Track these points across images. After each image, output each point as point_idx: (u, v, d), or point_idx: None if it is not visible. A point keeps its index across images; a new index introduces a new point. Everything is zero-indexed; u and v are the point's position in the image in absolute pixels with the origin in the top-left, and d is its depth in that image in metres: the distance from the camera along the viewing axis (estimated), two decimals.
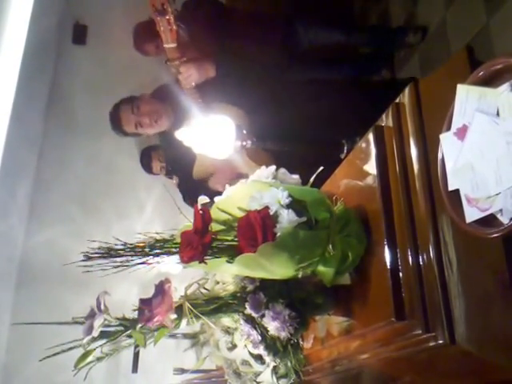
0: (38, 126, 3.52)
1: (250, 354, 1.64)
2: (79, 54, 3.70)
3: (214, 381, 2.36)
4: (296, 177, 1.48)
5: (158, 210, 3.55)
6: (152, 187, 3.56)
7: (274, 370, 1.63)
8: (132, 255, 1.28)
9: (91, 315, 1.30)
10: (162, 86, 2.89)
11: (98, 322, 1.26)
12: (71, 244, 3.21)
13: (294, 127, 2.18)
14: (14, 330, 3.11)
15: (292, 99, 2.38)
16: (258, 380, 1.73)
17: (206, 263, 1.22)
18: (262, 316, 1.37)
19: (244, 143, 1.68)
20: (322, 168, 1.50)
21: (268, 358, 1.50)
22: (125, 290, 2.66)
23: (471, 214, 0.98)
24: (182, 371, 2.54)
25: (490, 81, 0.97)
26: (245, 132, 1.68)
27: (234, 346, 1.73)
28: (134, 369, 2.55)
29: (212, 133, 1.66)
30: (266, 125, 2.06)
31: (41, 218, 3.40)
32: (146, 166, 3.48)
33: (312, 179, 1.51)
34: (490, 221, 0.95)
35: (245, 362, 1.76)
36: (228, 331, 1.73)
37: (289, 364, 1.47)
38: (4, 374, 3.10)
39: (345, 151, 1.77)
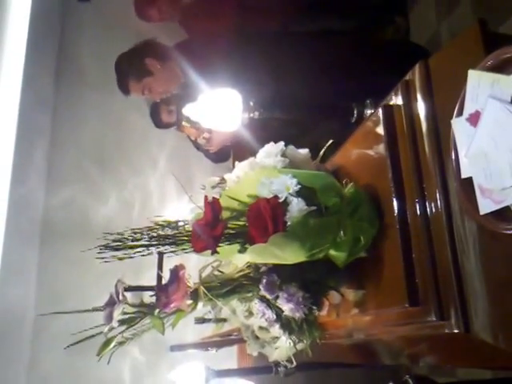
0: (49, 86, 3.52)
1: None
2: (85, 11, 3.64)
3: (234, 336, 2.42)
4: (305, 152, 1.45)
5: (170, 165, 3.58)
6: (164, 141, 3.58)
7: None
8: (147, 245, 1.30)
9: (110, 303, 1.33)
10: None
11: (116, 312, 1.28)
12: (89, 201, 3.39)
13: (302, 93, 2.13)
14: (41, 287, 3.25)
15: (297, 62, 2.31)
16: (275, 345, 1.77)
17: (218, 253, 1.22)
18: (277, 297, 1.38)
19: (251, 115, 1.64)
20: (331, 141, 1.48)
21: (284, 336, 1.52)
22: None
23: (485, 206, 0.95)
24: (203, 321, 2.59)
25: (500, 69, 0.93)
26: (252, 103, 1.64)
27: (250, 314, 1.76)
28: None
29: (219, 106, 1.62)
30: (274, 94, 2.01)
31: (59, 177, 3.46)
32: (156, 118, 3.42)
33: (321, 153, 1.49)
34: (504, 213, 0.93)
35: (262, 328, 1.79)
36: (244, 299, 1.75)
37: (305, 341, 1.49)
38: (33, 329, 3.22)
39: (355, 115, 1.72)
